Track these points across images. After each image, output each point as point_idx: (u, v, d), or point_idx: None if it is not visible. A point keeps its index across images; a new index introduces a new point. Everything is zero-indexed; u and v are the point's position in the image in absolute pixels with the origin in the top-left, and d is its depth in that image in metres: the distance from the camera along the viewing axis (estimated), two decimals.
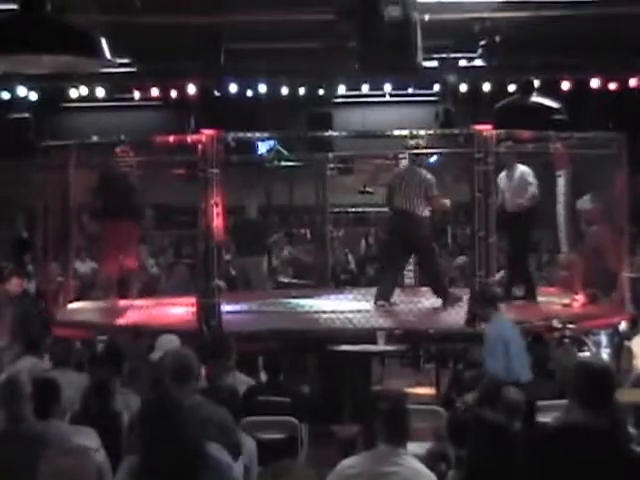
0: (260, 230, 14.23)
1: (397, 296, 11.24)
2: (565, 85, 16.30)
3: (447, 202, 10.91)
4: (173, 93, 16.88)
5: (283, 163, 16.90)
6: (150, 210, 19.19)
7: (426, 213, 10.59)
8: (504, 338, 7.80)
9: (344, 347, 8.88)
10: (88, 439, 5.13)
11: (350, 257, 16.48)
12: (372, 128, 15.50)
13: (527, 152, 10.93)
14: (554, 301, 11.08)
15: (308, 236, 17.60)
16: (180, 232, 16.77)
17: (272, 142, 17.46)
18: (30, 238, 14.31)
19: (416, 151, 11.97)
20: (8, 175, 16.12)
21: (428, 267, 11.06)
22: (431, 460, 5.49)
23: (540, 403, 6.49)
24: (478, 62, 14.83)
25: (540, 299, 11.19)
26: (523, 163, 11.04)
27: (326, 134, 12.67)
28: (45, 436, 4.77)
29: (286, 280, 14.55)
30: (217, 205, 9.37)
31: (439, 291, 10.80)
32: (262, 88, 16.74)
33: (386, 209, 11.30)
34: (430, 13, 10.88)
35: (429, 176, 10.63)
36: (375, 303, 10.65)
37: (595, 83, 16.40)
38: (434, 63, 14.85)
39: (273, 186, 18.37)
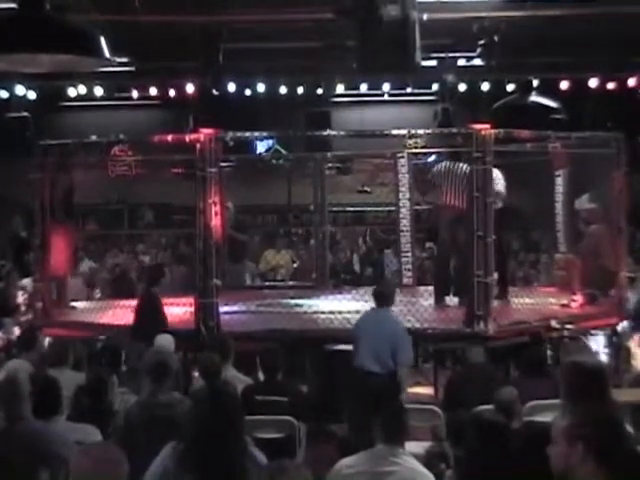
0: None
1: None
2: (564, 85, 16.31)
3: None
4: (171, 92, 16.88)
5: (281, 162, 16.91)
6: (148, 210, 19.31)
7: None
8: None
9: (342, 347, 8.87)
10: (89, 436, 5.15)
11: (355, 257, 16.47)
12: (370, 127, 15.47)
13: (526, 151, 10.93)
14: (552, 301, 11.08)
15: (300, 235, 17.63)
16: (178, 231, 16.77)
17: (270, 141, 17.47)
18: (29, 237, 14.31)
19: (414, 150, 11.99)
20: (6, 174, 16.11)
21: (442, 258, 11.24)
22: (430, 460, 5.49)
23: (538, 403, 6.49)
24: (477, 61, 14.82)
25: (538, 299, 11.19)
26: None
27: (324, 133, 12.67)
28: (45, 434, 4.78)
29: (280, 282, 14.54)
30: (215, 204, 9.36)
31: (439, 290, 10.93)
32: (260, 87, 16.74)
33: (385, 208, 11.36)
34: (429, 12, 10.86)
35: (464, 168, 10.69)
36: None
37: (594, 83, 16.40)
38: (433, 62, 14.83)
39: (271, 185, 18.36)
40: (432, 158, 14.40)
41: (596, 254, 10.83)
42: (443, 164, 11.08)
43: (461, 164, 10.77)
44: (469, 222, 9.38)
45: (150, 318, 8.88)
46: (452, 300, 10.95)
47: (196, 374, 7.58)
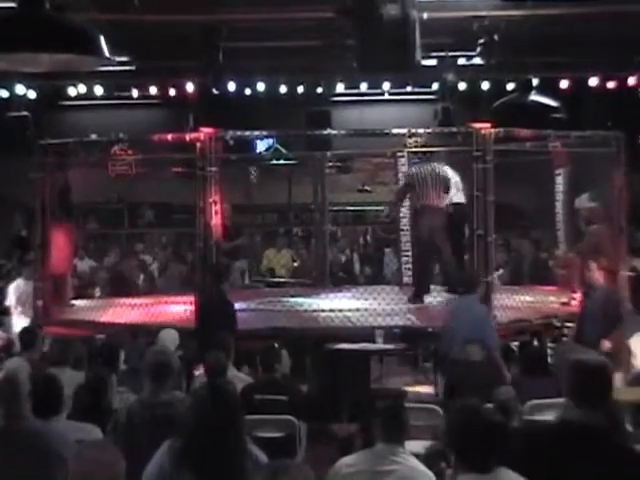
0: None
1: (395, 294, 11.28)
2: (564, 83, 16.29)
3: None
4: (172, 91, 16.86)
5: (282, 161, 16.92)
6: (148, 209, 19.31)
7: (443, 205, 10.84)
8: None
9: (343, 345, 8.88)
10: (90, 435, 5.15)
11: (355, 256, 16.47)
12: (371, 126, 15.45)
13: (526, 150, 10.93)
14: (553, 300, 11.08)
15: (300, 234, 17.63)
16: (179, 230, 16.77)
17: (271, 140, 17.47)
18: (29, 236, 14.31)
19: (415, 149, 12.00)
20: (6, 173, 16.12)
21: (426, 257, 11.32)
22: (430, 458, 5.49)
23: (538, 402, 6.49)
24: (477, 60, 14.80)
25: (539, 297, 11.19)
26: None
27: (325, 132, 12.67)
28: (45, 434, 4.77)
29: (281, 280, 14.54)
30: (216, 203, 9.37)
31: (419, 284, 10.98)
32: (260, 86, 16.73)
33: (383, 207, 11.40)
34: (429, 11, 10.86)
35: (444, 169, 10.84)
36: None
37: (594, 82, 16.39)
38: (433, 61, 14.82)
39: (272, 184, 18.37)
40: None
41: (597, 253, 10.81)
42: (422, 166, 11.14)
43: (437, 165, 10.89)
44: (470, 221, 9.41)
45: (218, 316, 8.85)
46: (436, 298, 11.04)
47: (197, 372, 7.58)
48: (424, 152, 12.21)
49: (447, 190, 10.94)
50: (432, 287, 11.68)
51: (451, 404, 6.97)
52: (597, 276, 9.05)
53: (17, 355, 8.06)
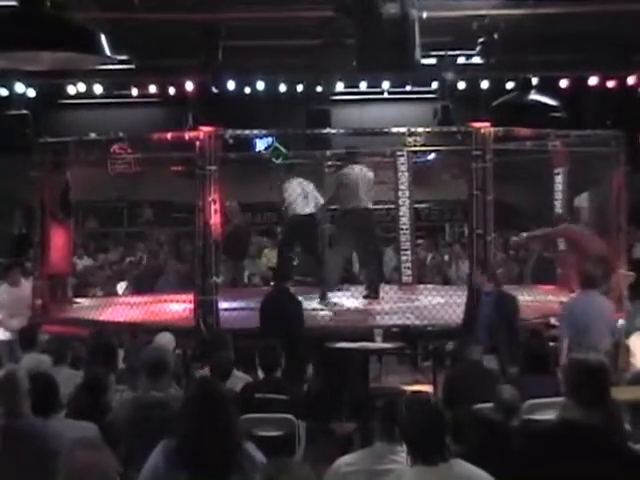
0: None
1: (394, 293, 11.29)
2: (563, 83, 16.31)
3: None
4: (171, 90, 16.88)
5: (281, 160, 16.90)
6: (148, 208, 19.31)
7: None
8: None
9: (342, 345, 8.88)
10: (88, 433, 5.14)
11: (354, 255, 16.42)
12: (370, 125, 15.45)
13: (525, 149, 10.94)
14: (552, 299, 11.08)
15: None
16: (178, 229, 16.77)
17: (270, 139, 17.48)
18: (28, 234, 14.30)
19: (414, 148, 12.01)
20: (6, 171, 16.12)
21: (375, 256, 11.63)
22: None
23: (537, 401, 6.49)
24: (476, 60, 14.82)
25: (538, 297, 11.19)
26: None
27: (324, 131, 12.67)
28: (44, 432, 4.77)
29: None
30: (215, 202, 9.37)
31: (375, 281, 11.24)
32: (260, 85, 16.74)
33: (385, 206, 11.45)
34: (428, 10, 10.86)
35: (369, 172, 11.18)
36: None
37: (593, 81, 16.40)
38: (432, 60, 14.83)
39: (271, 183, 18.33)
40: (432, 156, 14.42)
41: (580, 252, 10.76)
42: (353, 168, 11.19)
43: (363, 166, 11.01)
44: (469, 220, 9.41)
45: (281, 314, 8.85)
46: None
47: (201, 372, 7.57)
48: (423, 151, 12.24)
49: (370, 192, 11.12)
50: (431, 286, 11.72)
51: (450, 403, 7.01)
52: (484, 282, 9.08)
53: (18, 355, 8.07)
